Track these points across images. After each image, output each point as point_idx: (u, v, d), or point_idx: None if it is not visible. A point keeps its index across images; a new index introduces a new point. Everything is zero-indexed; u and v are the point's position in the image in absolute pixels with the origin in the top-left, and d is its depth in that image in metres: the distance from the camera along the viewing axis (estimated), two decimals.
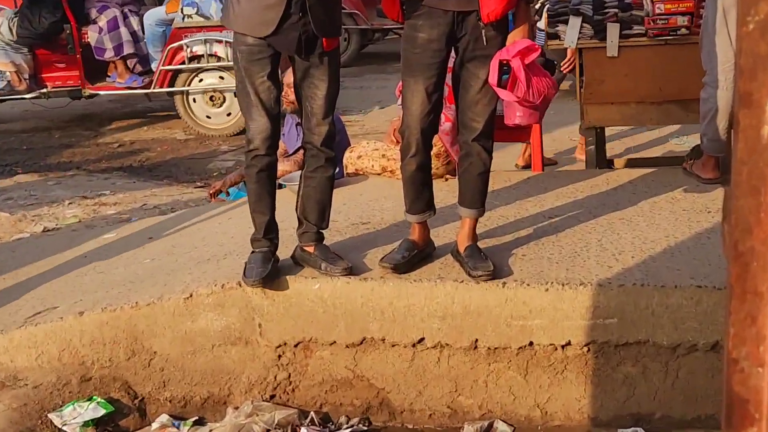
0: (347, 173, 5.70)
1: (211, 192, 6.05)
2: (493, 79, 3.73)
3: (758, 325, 0.89)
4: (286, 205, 4.61)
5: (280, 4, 3.68)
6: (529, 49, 3.73)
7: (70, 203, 7.38)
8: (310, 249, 4.02)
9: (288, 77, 4.96)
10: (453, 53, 3.88)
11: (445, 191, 4.99)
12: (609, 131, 6.36)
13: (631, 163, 6.07)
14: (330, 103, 3.87)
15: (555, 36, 5.49)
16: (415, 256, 3.99)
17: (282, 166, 5.64)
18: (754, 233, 0.91)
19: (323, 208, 4.05)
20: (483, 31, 3.73)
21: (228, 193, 5.90)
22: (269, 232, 4.00)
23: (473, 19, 3.73)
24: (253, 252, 4.00)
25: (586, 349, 3.75)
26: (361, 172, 5.62)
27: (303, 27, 3.72)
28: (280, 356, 4.02)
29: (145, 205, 7.20)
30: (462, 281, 3.83)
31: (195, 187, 7.91)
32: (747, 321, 0.91)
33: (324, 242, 4.08)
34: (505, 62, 3.74)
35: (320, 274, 3.95)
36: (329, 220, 4.12)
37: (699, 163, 4.94)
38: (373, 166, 5.54)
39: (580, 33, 5.35)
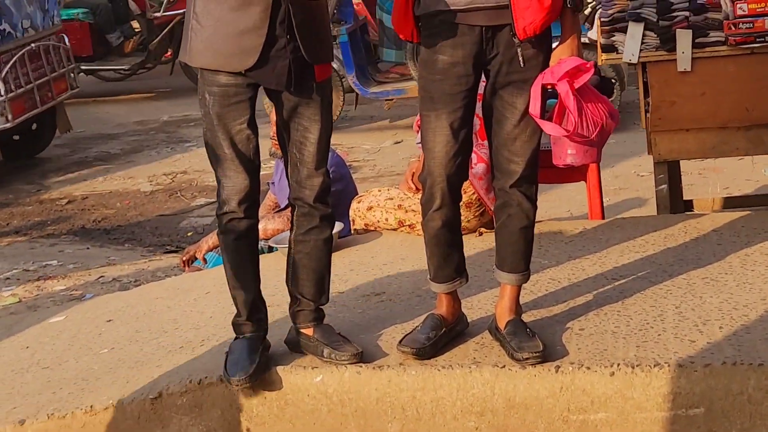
0: (355, 229, 5.70)
1: (184, 259, 6.06)
2: (535, 109, 3.74)
3: None
4: (278, 273, 4.60)
5: (261, 26, 3.70)
6: (579, 69, 3.73)
7: (7, 279, 7.41)
8: (309, 332, 4.01)
9: (272, 113, 4.98)
10: (483, 78, 3.90)
11: (479, 249, 4.98)
12: (685, 164, 6.34)
13: (716, 205, 6.03)
14: (324, 148, 3.90)
15: (611, 48, 5.49)
16: (443, 337, 3.96)
17: (272, 224, 5.66)
18: None
19: (321, 278, 4.04)
20: (519, 50, 3.74)
21: (205, 260, 5.91)
22: (255, 312, 4.00)
23: (506, 36, 3.74)
24: (236, 338, 3.99)
25: None
26: (372, 228, 5.63)
27: (292, 54, 3.75)
28: None
29: (102, 277, 7.22)
30: (503, 366, 3.80)
31: (164, 252, 7.94)
32: None
33: (325, 321, 4.07)
34: (549, 87, 3.75)
35: (323, 363, 3.93)
36: (329, 292, 4.11)
37: None
38: (387, 219, 5.54)
39: (642, 43, 5.35)
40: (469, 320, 4.13)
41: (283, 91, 3.83)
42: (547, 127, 3.76)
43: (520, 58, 3.74)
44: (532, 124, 3.80)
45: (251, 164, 3.86)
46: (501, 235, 3.98)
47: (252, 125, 3.84)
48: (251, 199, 3.88)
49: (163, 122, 12.73)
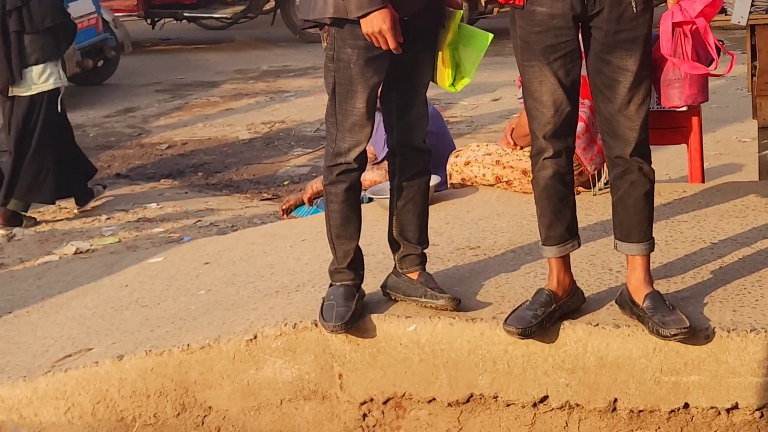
0: (452, 183, 5.70)
1: (283, 207, 6.12)
2: (667, 48, 3.63)
3: None
4: (373, 223, 4.64)
5: None
6: (712, 5, 3.65)
7: (107, 219, 7.55)
8: (414, 275, 4.06)
9: None
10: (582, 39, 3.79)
11: (578, 208, 4.94)
12: None
13: None
14: (426, 88, 3.96)
15: (720, 9, 5.40)
16: (553, 313, 3.81)
17: (370, 175, 5.68)
18: None
19: (424, 222, 4.12)
20: (632, 1, 3.62)
21: (310, 203, 5.93)
22: (354, 261, 4.04)
23: None
24: (332, 285, 4.04)
25: (758, 414, 3.68)
26: (468, 183, 5.63)
27: None
28: (365, 415, 4.04)
29: (199, 221, 7.33)
30: (597, 324, 3.79)
31: (261, 200, 8.03)
32: None
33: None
34: (675, 26, 3.63)
35: (417, 312, 3.97)
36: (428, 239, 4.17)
37: None
38: (484, 175, 5.54)
39: (752, 5, 5.26)
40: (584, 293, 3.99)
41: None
42: (686, 66, 3.65)
43: (633, 5, 3.62)
44: (646, 85, 3.71)
45: (374, 119, 3.90)
46: (624, 204, 3.84)
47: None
48: (364, 151, 3.92)
49: (262, 72, 12.84)
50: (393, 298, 4.08)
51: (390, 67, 3.86)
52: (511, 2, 3.73)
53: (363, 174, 5.79)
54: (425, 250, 4.13)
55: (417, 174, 4.05)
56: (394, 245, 4.13)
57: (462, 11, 3.90)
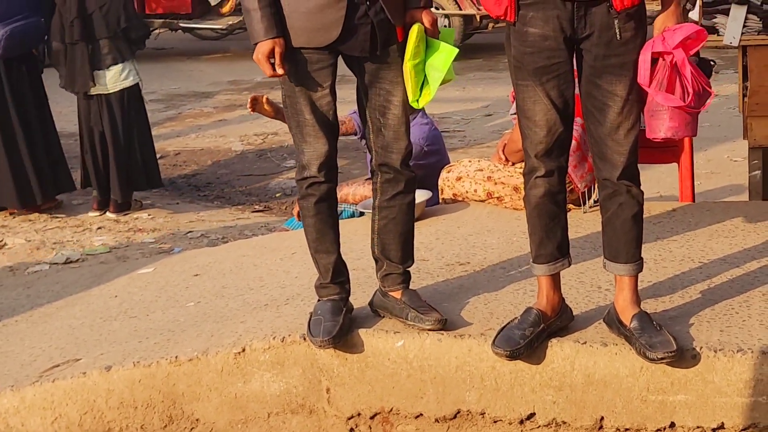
0: (443, 199, 5.72)
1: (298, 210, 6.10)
2: (644, 78, 3.61)
3: None
4: (365, 237, 4.63)
5: None
6: (689, 38, 3.61)
7: (98, 228, 7.55)
8: (397, 294, 4.06)
9: None
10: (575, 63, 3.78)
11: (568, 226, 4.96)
12: None
13: None
14: (407, 110, 3.92)
15: (712, 30, 5.44)
16: (541, 333, 3.80)
17: (362, 190, 5.71)
18: None
19: (406, 241, 4.08)
20: (616, 23, 3.61)
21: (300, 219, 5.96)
22: (337, 275, 4.05)
23: (601, 13, 3.62)
24: (319, 300, 4.05)
25: None
26: (460, 198, 5.64)
27: (375, 17, 3.78)
28: (352, 430, 4.05)
29: (190, 232, 7.33)
30: (584, 342, 3.80)
31: (252, 212, 8.03)
32: None
33: (411, 286, 4.11)
34: (659, 56, 3.62)
35: (405, 328, 3.97)
36: (414, 256, 4.14)
37: None
38: (476, 190, 5.55)
39: (744, 26, 5.29)
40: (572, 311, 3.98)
41: (366, 57, 3.85)
42: (660, 97, 3.62)
43: (617, 32, 3.61)
44: (635, 109, 3.70)
45: (331, 129, 3.90)
46: (612, 225, 3.84)
47: (333, 92, 3.87)
48: (331, 164, 3.92)
49: (256, 83, 12.85)
50: (381, 315, 4.09)
51: (360, 86, 3.92)
52: (503, 18, 3.74)
53: (356, 188, 5.87)
54: (409, 268, 4.11)
55: (398, 194, 4.01)
56: (377, 263, 4.13)
57: (418, 26, 3.81)
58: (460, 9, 13.23)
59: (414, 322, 3.95)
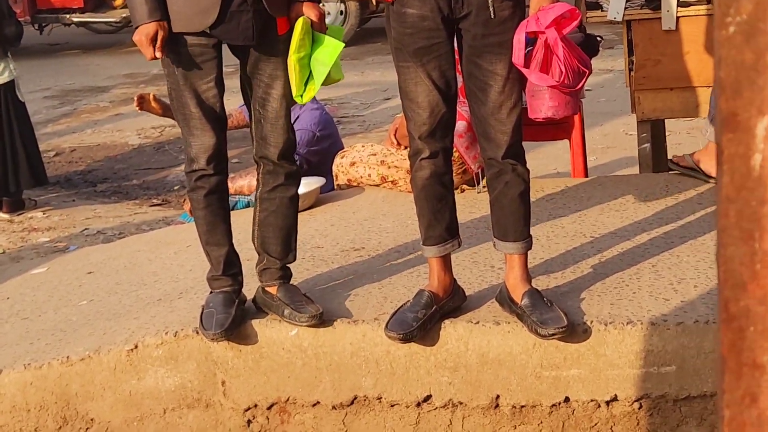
0: (338, 185, 5.72)
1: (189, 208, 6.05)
2: (519, 58, 3.61)
3: (760, 405, 0.86)
4: None
5: None
6: (563, 17, 3.62)
7: None
8: (272, 290, 4.00)
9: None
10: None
11: (462, 206, 4.98)
12: (673, 124, 6.35)
13: None
14: (288, 104, 3.90)
15: (596, 6, 5.49)
16: (434, 315, 3.81)
17: (252, 180, 5.65)
18: (749, 289, 0.87)
19: (287, 236, 4.03)
20: (491, 3, 3.62)
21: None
22: (230, 267, 4.01)
23: None
24: (211, 293, 4.01)
25: (637, 405, 3.74)
26: (354, 183, 5.64)
27: (254, 6, 3.76)
28: (249, 421, 4.03)
29: (86, 230, 7.24)
30: (477, 322, 3.82)
31: (150, 206, 7.95)
32: (745, 401, 0.87)
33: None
34: (532, 35, 3.64)
35: None
36: (296, 251, 4.09)
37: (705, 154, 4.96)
38: (369, 175, 5.55)
39: (627, 1, 5.35)
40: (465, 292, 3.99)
41: (249, 46, 3.83)
42: (534, 77, 3.64)
43: (492, 11, 3.61)
44: (517, 86, 3.71)
45: (218, 122, 3.87)
46: (499, 204, 3.85)
47: (219, 83, 3.85)
48: (219, 156, 3.89)
49: (152, 75, 12.71)
50: (264, 311, 4.03)
51: (242, 76, 3.91)
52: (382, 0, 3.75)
53: (251, 179, 5.81)
54: (288, 264, 4.07)
55: (278, 186, 3.97)
56: (258, 256, 4.08)
57: (303, 19, 3.79)
58: None
59: (290, 319, 3.90)
